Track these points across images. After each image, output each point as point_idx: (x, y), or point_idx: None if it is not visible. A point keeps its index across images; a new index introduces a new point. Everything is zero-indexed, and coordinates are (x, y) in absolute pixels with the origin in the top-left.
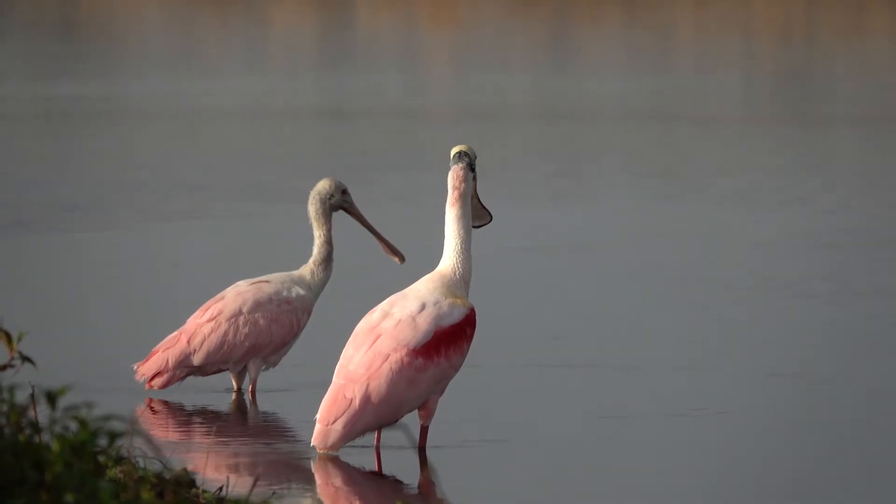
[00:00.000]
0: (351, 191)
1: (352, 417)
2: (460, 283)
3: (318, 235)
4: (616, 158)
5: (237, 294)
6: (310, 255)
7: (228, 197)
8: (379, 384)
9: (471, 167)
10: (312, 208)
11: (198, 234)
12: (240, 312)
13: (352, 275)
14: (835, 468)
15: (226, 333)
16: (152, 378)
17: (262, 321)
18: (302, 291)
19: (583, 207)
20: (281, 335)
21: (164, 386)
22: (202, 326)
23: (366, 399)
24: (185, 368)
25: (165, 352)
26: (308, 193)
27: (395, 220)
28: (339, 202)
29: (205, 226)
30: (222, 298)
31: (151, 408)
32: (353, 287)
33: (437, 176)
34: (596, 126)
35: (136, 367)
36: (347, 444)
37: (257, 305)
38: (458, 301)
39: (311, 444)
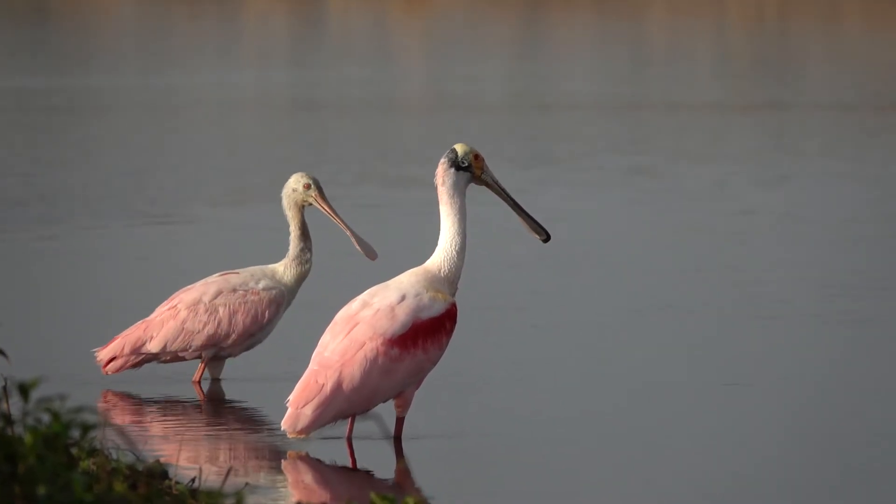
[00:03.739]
0: (324, 184)
1: (322, 403)
2: (444, 282)
3: (291, 230)
4: (590, 147)
5: (203, 284)
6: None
7: (203, 191)
8: (352, 372)
9: (458, 165)
10: (284, 203)
11: (173, 229)
12: (199, 301)
13: (333, 267)
14: (834, 465)
15: (184, 321)
16: (107, 363)
17: (221, 311)
18: (270, 284)
19: (556, 196)
20: (243, 326)
21: (118, 370)
22: (163, 314)
23: (337, 386)
24: (140, 355)
25: (124, 338)
26: (281, 187)
27: (369, 213)
28: (303, 197)
29: (180, 220)
30: (190, 289)
31: (124, 399)
32: (334, 279)
33: (412, 167)
34: (569, 115)
35: (96, 352)
36: (318, 432)
37: (219, 295)
38: (440, 295)
39: (281, 428)
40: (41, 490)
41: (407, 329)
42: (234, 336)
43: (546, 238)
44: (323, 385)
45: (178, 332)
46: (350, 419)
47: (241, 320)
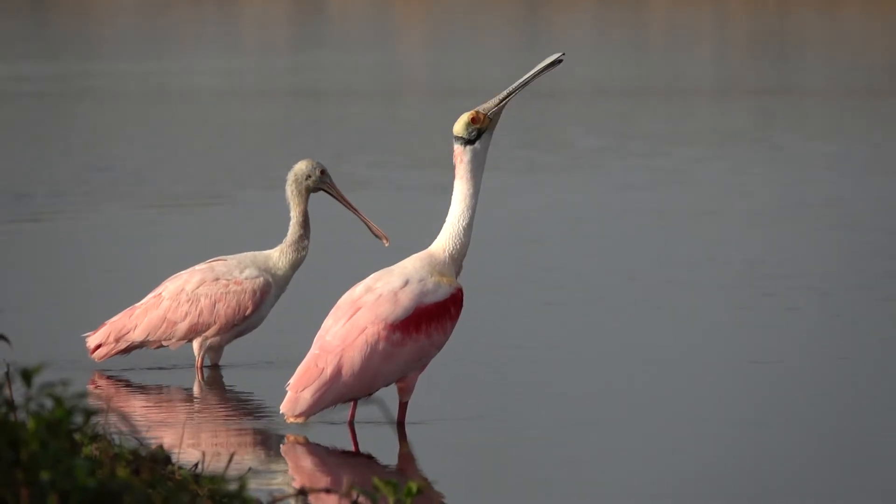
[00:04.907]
0: (329, 171)
1: (321, 387)
2: (449, 263)
3: (292, 216)
4: (589, 133)
5: (189, 272)
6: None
7: (205, 177)
8: (352, 356)
9: (469, 141)
10: (289, 189)
11: (174, 217)
12: (182, 290)
13: (337, 252)
14: (828, 464)
15: (166, 310)
16: (94, 349)
17: (203, 301)
18: (255, 273)
19: (559, 182)
20: (224, 317)
21: (104, 357)
22: (148, 302)
23: (338, 370)
24: (125, 342)
25: (110, 325)
26: (286, 174)
27: (373, 199)
28: (317, 183)
29: (182, 208)
30: (177, 277)
31: (125, 385)
32: (338, 264)
33: (415, 154)
34: (570, 102)
35: (86, 337)
36: (319, 416)
37: (201, 284)
38: (445, 280)
39: (280, 412)
40: (44, 476)
41: (409, 314)
42: (216, 326)
43: (561, 58)
44: (323, 369)
45: (160, 321)
46: (352, 403)
47: (222, 310)
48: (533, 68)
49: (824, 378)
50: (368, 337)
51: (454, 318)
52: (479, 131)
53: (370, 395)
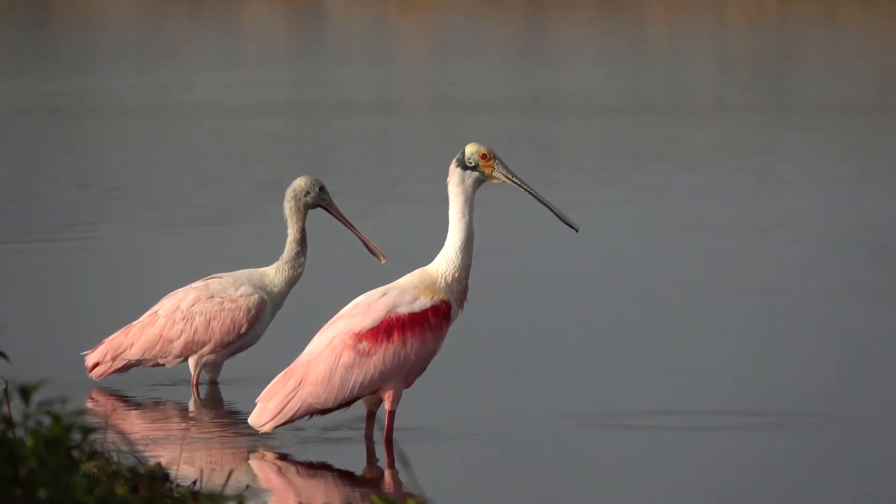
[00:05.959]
0: (327, 186)
1: (285, 398)
2: (441, 284)
3: (290, 233)
4: (590, 148)
5: (184, 290)
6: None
7: (204, 196)
8: (317, 367)
9: (465, 165)
10: (287, 206)
11: (172, 234)
12: (177, 308)
13: (333, 269)
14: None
15: (161, 328)
16: (92, 368)
17: (198, 319)
18: (250, 290)
19: (558, 196)
20: (220, 334)
21: (102, 376)
22: (143, 321)
23: (301, 381)
24: (122, 360)
25: (107, 343)
26: (284, 191)
27: (370, 214)
28: (316, 199)
29: (179, 225)
30: (173, 295)
31: (123, 402)
32: (335, 281)
33: (412, 169)
34: (569, 116)
35: (84, 356)
36: (284, 426)
37: (196, 302)
38: (429, 292)
39: (248, 422)
40: (42, 493)
41: (378, 323)
42: (211, 344)
43: (576, 230)
44: (288, 380)
45: (156, 339)
46: (367, 416)
47: (217, 328)
48: (557, 208)
49: (825, 386)
50: (335, 347)
51: (436, 329)
52: (477, 169)
53: (347, 405)
